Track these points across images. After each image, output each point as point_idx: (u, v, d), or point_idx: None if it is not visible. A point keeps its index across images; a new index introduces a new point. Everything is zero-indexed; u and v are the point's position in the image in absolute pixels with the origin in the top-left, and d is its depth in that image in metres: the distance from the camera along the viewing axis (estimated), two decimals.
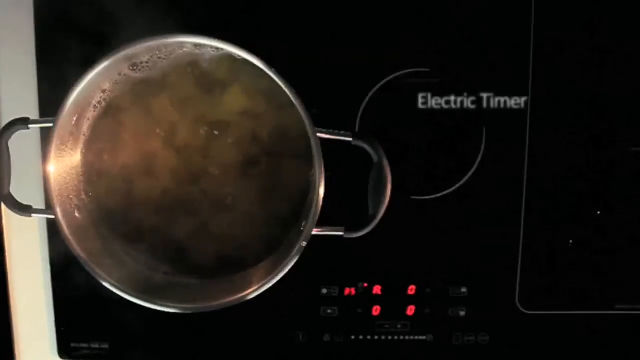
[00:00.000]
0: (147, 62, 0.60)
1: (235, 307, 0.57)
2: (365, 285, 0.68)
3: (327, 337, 0.69)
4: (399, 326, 0.69)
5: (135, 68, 0.60)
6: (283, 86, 0.54)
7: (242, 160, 0.62)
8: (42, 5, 0.64)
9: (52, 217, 0.57)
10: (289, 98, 0.54)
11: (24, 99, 0.65)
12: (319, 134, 0.55)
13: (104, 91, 0.60)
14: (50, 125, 0.55)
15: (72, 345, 0.69)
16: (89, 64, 0.54)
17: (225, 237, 0.63)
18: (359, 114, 0.66)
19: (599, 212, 0.67)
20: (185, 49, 0.59)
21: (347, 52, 0.65)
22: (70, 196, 0.60)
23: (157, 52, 0.59)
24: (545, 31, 0.65)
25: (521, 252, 0.67)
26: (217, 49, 0.55)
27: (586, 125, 0.66)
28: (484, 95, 0.65)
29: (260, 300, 0.57)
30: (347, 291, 0.68)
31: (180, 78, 0.61)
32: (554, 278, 0.68)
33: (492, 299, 0.68)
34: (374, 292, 0.68)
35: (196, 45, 0.57)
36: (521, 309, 0.68)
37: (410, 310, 0.68)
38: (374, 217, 0.56)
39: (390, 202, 0.56)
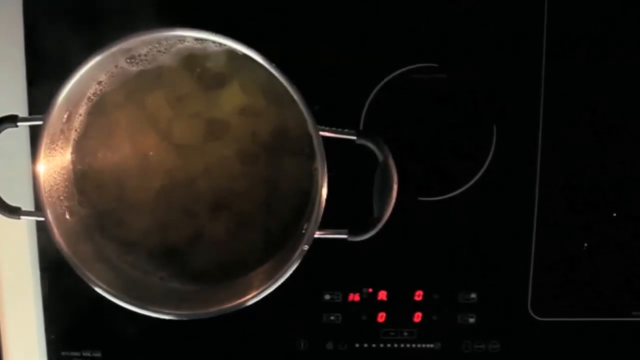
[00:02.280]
0: (145, 55, 0.60)
1: (234, 313, 0.57)
2: (370, 290, 0.68)
3: (330, 345, 0.69)
4: (406, 334, 0.68)
5: (132, 61, 0.60)
6: (284, 82, 0.54)
7: (241, 160, 0.62)
8: None
9: (42, 219, 0.57)
10: (290, 94, 0.54)
11: (12, 96, 0.65)
12: (321, 132, 0.54)
13: (99, 82, 0.60)
14: (40, 123, 0.55)
15: (63, 354, 0.69)
16: (80, 58, 0.54)
17: (224, 240, 0.63)
18: (364, 111, 0.66)
19: (614, 215, 0.67)
20: (186, 43, 0.59)
21: (350, 46, 0.65)
22: (61, 197, 0.60)
23: (157, 45, 0.59)
24: (559, 25, 0.64)
25: (533, 256, 0.67)
26: (219, 44, 0.55)
27: (601, 123, 0.66)
28: (495, 92, 0.65)
29: (260, 306, 0.57)
30: (351, 297, 0.68)
31: (179, 73, 0.61)
32: (567, 283, 0.68)
33: (503, 305, 0.68)
34: (379, 297, 0.68)
35: (197, 39, 0.57)
36: (533, 315, 0.68)
37: (417, 317, 0.68)
38: (379, 219, 0.56)
39: (396, 203, 0.56)
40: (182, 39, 0.58)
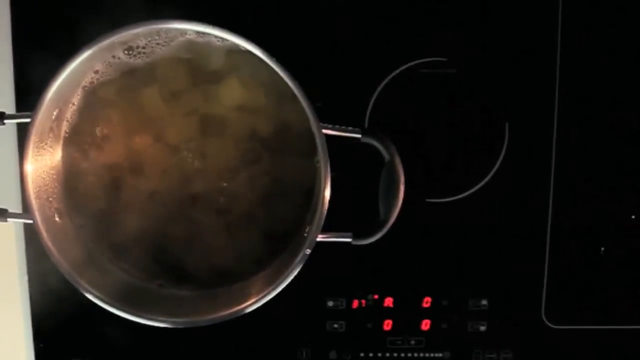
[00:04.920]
0: (143, 48, 0.60)
1: (233, 320, 0.57)
2: (376, 297, 0.68)
3: (333, 354, 0.69)
4: (413, 342, 0.68)
5: (130, 53, 0.60)
6: (285, 77, 0.54)
7: (240, 159, 0.62)
8: None
9: (30, 221, 0.57)
10: (292, 91, 0.54)
11: None
12: (324, 131, 0.54)
13: (96, 72, 0.60)
14: (28, 120, 0.55)
15: None
16: (70, 52, 0.53)
17: (222, 243, 0.63)
18: (369, 108, 0.66)
19: (633, 217, 0.67)
20: (187, 36, 0.59)
21: (355, 40, 0.65)
22: (50, 199, 0.59)
23: (156, 38, 0.59)
24: (574, 20, 0.64)
25: (547, 260, 0.67)
26: (220, 38, 0.56)
27: (619, 121, 0.66)
28: (507, 88, 0.65)
29: (260, 313, 0.57)
30: (355, 303, 0.68)
31: (177, 68, 0.61)
32: (583, 289, 0.68)
33: (515, 312, 0.68)
34: (385, 304, 0.68)
35: (198, 33, 0.58)
36: (547, 323, 0.68)
37: (425, 324, 0.68)
38: (385, 222, 0.56)
39: (403, 205, 0.56)
40: (183, 32, 0.58)
